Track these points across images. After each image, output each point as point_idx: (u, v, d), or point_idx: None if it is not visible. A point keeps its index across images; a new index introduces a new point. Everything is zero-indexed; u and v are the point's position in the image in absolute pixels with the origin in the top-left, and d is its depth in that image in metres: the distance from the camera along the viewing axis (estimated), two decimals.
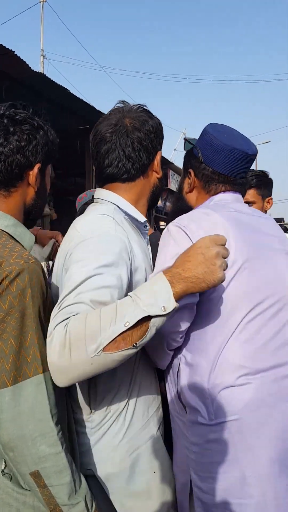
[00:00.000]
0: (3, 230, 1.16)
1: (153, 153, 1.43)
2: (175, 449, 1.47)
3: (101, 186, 1.43)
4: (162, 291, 1.09)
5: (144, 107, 1.44)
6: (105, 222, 1.26)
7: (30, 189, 1.24)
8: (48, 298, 1.12)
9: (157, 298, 1.07)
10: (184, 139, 1.68)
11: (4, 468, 1.09)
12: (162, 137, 1.45)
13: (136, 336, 1.01)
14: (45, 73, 6.57)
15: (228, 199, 1.55)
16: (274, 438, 1.32)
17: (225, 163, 1.53)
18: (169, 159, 13.19)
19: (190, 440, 1.39)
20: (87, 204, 2.39)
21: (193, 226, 1.36)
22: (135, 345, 1.00)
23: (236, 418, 1.31)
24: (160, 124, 1.45)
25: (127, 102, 1.47)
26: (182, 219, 1.41)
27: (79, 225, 1.25)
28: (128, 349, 1.00)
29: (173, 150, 23.38)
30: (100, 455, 1.28)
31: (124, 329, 0.99)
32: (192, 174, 1.59)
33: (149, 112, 1.44)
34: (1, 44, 5.03)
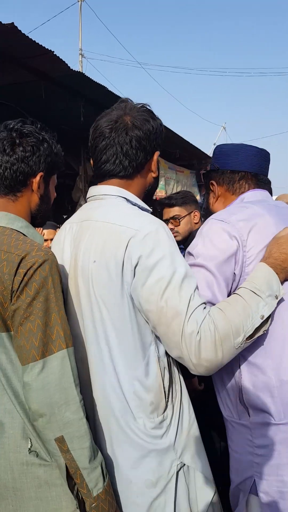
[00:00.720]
0: (18, 231, 1.32)
1: (150, 153, 1.44)
2: (233, 455, 1.43)
3: (98, 183, 1.45)
4: (273, 282, 1.25)
5: (147, 107, 1.46)
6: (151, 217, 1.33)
7: (34, 196, 1.40)
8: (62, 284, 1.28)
9: (273, 288, 1.24)
10: (201, 173, 1.75)
11: (31, 447, 1.23)
12: (162, 138, 1.46)
13: (264, 325, 1.24)
14: (83, 72, 6.60)
15: (258, 196, 1.55)
16: None
17: (241, 160, 1.58)
18: (208, 154, 13.02)
19: (255, 443, 1.35)
20: None
21: (233, 218, 1.39)
22: (265, 332, 1.26)
23: None
24: (161, 125, 1.46)
25: (130, 100, 1.47)
26: (221, 214, 1.43)
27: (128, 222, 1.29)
28: (256, 337, 1.24)
29: (212, 145, 23.09)
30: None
31: (260, 321, 1.22)
32: (214, 183, 1.65)
33: (151, 112, 1.46)
34: (41, 45, 5.08)
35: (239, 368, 1.36)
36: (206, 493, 1.37)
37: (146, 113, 1.43)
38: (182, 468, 1.33)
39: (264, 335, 1.31)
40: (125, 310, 1.28)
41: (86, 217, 1.39)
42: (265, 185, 1.60)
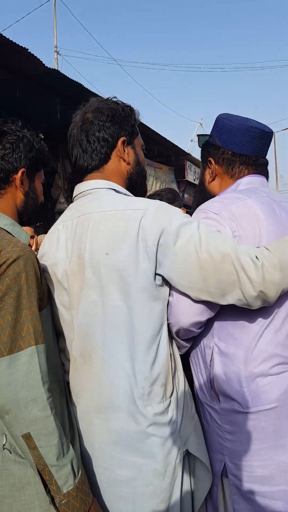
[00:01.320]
0: (1, 228, 1.31)
1: (111, 141, 1.44)
2: (207, 436, 1.47)
3: (82, 180, 1.47)
4: None
5: (111, 98, 1.48)
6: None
7: (19, 193, 1.42)
8: (42, 281, 1.29)
9: None
10: (197, 135, 1.68)
11: (5, 443, 1.22)
12: (126, 123, 1.47)
13: None
14: (59, 69, 6.57)
15: (255, 182, 1.52)
16: None
17: (244, 143, 1.51)
18: (186, 150, 13.08)
19: (224, 428, 1.38)
20: None
21: (225, 213, 1.36)
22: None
23: (274, 406, 1.32)
24: (123, 109, 1.46)
25: (101, 97, 1.50)
26: (213, 206, 1.40)
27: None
28: None
29: (190, 141, 23.21)
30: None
31: None
32: (213, 161, 1.58)
33: (111, 101, 1.47)
34: (14, 42, 5.05)
35: (212, 356, 1.39)
36: (205, 482, 1.40)
37: (103, 103, 1.45)
38: (186, 456, 1.36)
39: (239, 326, 1.35)
40: (143, 293, 1.28)
41: (82, 212, 1.37)
42: (263, 168, 1.58)
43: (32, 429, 1.15)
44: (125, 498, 1.29)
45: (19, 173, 1.40)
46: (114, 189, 1.41)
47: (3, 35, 4.84)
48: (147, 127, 8.67)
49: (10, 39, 4.95)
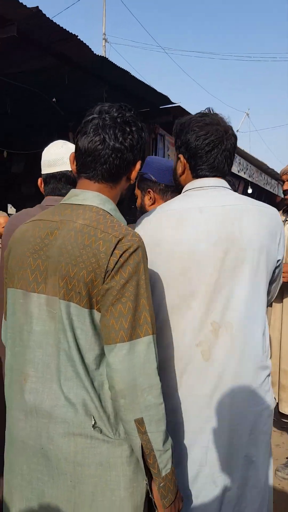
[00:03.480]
0: (107, 211, 1.32)
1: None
2: None
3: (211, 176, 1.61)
4: None
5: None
6: None
7: (127, 183, 1.42)
8: None
9: None
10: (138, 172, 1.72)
11: (94, 423, 1.25)
12: None
13: None
14: (106, 56, 6.57)
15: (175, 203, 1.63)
16: None
17: (170, 178, 1.93)
18: None
19: None
20: None
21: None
22: None
23: None
24: None
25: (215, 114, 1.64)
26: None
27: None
28: None
29: (236, 132, 22.71)
30: None
31: None
32: (151, 191, 2.13)
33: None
34: (65, 29, 5.07)
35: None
36: None
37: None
38: None
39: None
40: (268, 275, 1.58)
41: (224, 202, 1.53)
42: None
43: (146, 414, 1.20)
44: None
45: (137, 166, 1.40)
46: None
47: (54, 21, 4.88)
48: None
49: (60, 26, 4.98)
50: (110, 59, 6.15)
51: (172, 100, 7.68)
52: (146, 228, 1.53)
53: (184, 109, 8.06)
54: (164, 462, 1.24)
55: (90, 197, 1.32)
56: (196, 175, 1.59)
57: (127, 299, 1.19)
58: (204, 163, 1.57)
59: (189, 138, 1.55)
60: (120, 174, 1.36)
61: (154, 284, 1.46)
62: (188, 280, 1.46)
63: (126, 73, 6.38)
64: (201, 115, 1.60)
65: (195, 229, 1.47)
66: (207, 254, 1.45)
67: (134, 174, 1.40)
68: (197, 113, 1.62)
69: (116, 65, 6.14)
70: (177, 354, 1.47)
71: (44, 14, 4.71)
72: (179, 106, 7.95)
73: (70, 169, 1.83)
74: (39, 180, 2.07)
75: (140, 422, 1.20)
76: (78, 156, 1.35)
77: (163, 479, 1.24)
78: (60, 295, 1.24)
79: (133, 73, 6.44)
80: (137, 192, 2.17)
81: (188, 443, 1.48)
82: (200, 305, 1.45)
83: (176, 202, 1.57)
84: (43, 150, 2.01)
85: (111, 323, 1.19)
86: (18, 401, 1.32)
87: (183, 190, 1.61)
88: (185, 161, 1.61)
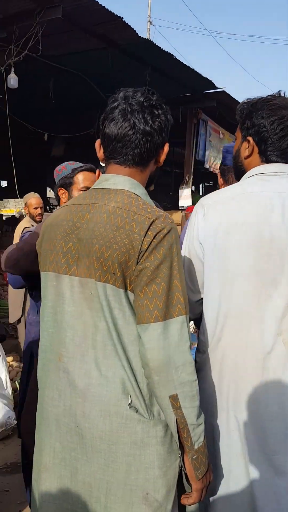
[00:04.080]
0: (140, 196, 1.33)
1: None
2: None
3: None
4: None
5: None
6: None
7: (156, 165, 1.42)
8: None
9: None
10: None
11: (131, 402, 1.27)
12: None
13: None
14: (151, 40, 6.46)
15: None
16: None
17: None
18: None
19: None
20: (66, 178, 2.38)
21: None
22: None
23: None
24: None
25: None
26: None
27: None
28: None
29: None
30: None
31: None
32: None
33: None
34: (110, 11, 5.00)
35: None
36: None
37: None
38: None
39: None
40: None
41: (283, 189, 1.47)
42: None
43: (180, 391, 1.24)
44: None
45: (165, 148, 1.41)
46: None
47: (98, 2, 4.81)
48: (236, 101, 8.33)
49: (105, 7, 4.91)
50: (155, 42, 6.03)
51: (217, 85, 7.49)
52: (222, 209, 1.49)
53: (228, 95, 7.85)
54: (197, 435, 1.27)
55: (121, 181, 1.33)
56: (266, 160, 1.54)
57: (161, 280, 1.22)
58: (276, 149, 1.52)
59: (262, 121, 1.50)
60: (150, 157, 1.37)
61: (232, 271, 1.44)
62: (269, 267, 1.42)
63: (171, 56, 6.25)
64: (273, 97, 1.53)
65: (277, 215, 1.43)
66: (286, 240, 1.41)
67: (163, 157, 1.41)
68: (268, 95, 1.56)
69: (160, 48, 6.02)
70: (255, 343, 1.42)
71: None
72: (223, 91, 7.75)
73: None
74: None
75: (174, 398, 1.24)
76: (107, 142, 1.35)
77: (196, 451, 1.28)
78: (96, 277, 1.26)
79: (178, 57, 6.33)
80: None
81: (264, 429, 1.43)
82: (282, 293, 1.41)
83: (254, 185, 1.51)
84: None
85: (145, 303, 1.22)
86: (53, 380, 1.35)
87: (251, 173, 1.55)
88: (254, 144, 1.55)
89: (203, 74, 7.00)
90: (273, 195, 1.45)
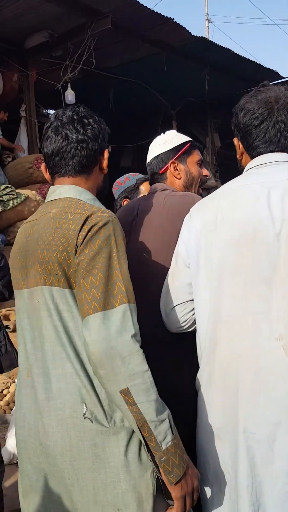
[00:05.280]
0: (83, 201, 1.33)
1: None
2: None
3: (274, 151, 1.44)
4: None
5: None
6: None
7: (101, 174, 1.43)
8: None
9: None
10: None
11: (85, 412, 1.20)
12: None
13: None
14: (210, 38, 6.28)
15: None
16: None
17: None
18: None
19: None
20: (131, 189, 2.36)
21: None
22: None
23: None
24: None
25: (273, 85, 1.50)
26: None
27: None
28: None
29: None
30: None
31: None
32: None
33: None
34: (159, 14, 4.91)
35: None
36: None
37: None
38: None
39: None
40: None
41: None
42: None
43: (131, 384, 1.15)
44: None
45: (105, 154, 1.44)
46: None
47: (147, 7, 4.72)
48: None
49: (155, 11, 4.82)
50: (215, 39, 5.86)
51: (282, 75, 7.12)
52: (205, 209, 1.44)
53: None
54: (162, 434, 1.16)
55: (66, 190, 1.36)
56: (256, 153, 1.44)
57: (98, 271, 1.19)
58: (255, 140, 1.44)
59: (238, 118, 1.45)
60: (91, 164, 1.39)
61: (216, 269, 1.34)
62: (254, 264, 1.28)
63: (228, 51, 6.03)
64: (254, 91, 1.48)
65: (258, 206, 1.32)
66: (274, 233, 1.28)
67: (105, 163, 1.43)
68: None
69: (216, 43, 5.84)
70: (251, 350, 1.27)
71: (137, 1, 4.57)
72: None
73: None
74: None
75: (126, 393, 1.15)
76: (48, 160, 1.41)
77: (164, 452, 1.15)
78: (42, 282, 1.27)
79: (240, 51, 6.10)
80: None
81: (266, 455, 1.25)
82: (273, 292, 1.26)
83: (235, 180, 1.45)
84: (149, 141, 1.95)
85: (84, 296, 1.19)
86: (22, 398, 1.33)
87: (244, 171, 1.46)
88: (239, 143, 1.50)
89: (268, 66, 6.68)
90: (256, 186, 1.35)
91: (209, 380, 1.35)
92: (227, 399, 1.30)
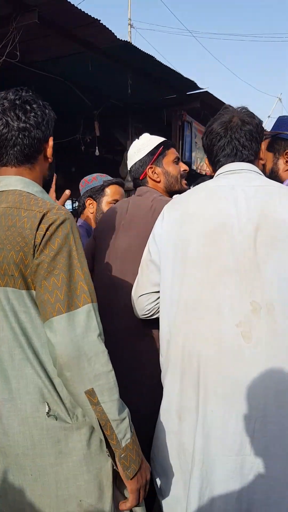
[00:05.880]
0: (34, 194, 1.30)
1: (259, 142, 1.64)
2: None
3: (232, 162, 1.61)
4: None
5: (247, 108, 1.67)
6: None
7: (46, 162, 1.40)
8: None
9: None
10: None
11: (49, 411, 1.22)
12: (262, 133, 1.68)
13: None
14: (132, 42, 6.40)
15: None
16: None
17: None
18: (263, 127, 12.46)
19: None
20: (96, 189, 2.47)
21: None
22: None
23: None
24: (261, 122, 1.67)
25: (231, 106, 1.69)
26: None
27: None
28: None
29: (267, 117, 22.16)
30: None
31: None
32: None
33: (251, 112, 1.66)
34: (87, 14, 4.94)
35: None
36: None
37: (249, 112, 1.64)
38: None
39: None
40: None
41: (256, 183, 1.51)
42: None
43: (96, 384, 1.17)
44: None
45: (50, 142, 1.39)
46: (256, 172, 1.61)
47: (76, 6, 4.74)
48: (222, 102, 8.30)
49: (82, 10, 4.84)
50: (136, 44, 5.98)
51: (200, 86, 7.43)
52: (179, 206, 1.55)
53: (212, 95, 7.80)
54: (122, 432, 1.20)
55: (13, 181, 1.31)
56: (216, 168, 1.63)
57: (60, 271, 1.18)
58: (217, 155, 1.61)
59: (203, 139, 1.64)
60: (35, 153, 1.35)
61: (185, 259, 1.45)
62: (220, 255, 1.40)
63: (151, 57, 6.19)
64: (217, 114, 1.64)
65: (226, 204, 1.46)
66: (239, 228, 1.41)
67: (49, 151, 1.39)
68: None
69: (139, 49, 5.96)
70: (213, 333, 1.37)
71: (66, 0, 4.57)
72: (206, 91, 7.69)
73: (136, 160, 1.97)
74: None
75: (91, 393, 1.17)
76: None
77: (124, 449, 1.20)
78: None
79: (160, 59, 6.28)
80: (266, 155, 2.03)
81: (220, 431, 1.35)
82: (236, 282, 1.37)
83: (206, 183, 1.59)
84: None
85: (46, 297, 1.17)
86: None
87: (214, 177, 1.63)
88: (209, 164, 1.67)
89: (186, 75, 6.94)
90: (226, 188, 1.50)
91: (173, 362, 1.44)
92: (189, 380, 1.39)
